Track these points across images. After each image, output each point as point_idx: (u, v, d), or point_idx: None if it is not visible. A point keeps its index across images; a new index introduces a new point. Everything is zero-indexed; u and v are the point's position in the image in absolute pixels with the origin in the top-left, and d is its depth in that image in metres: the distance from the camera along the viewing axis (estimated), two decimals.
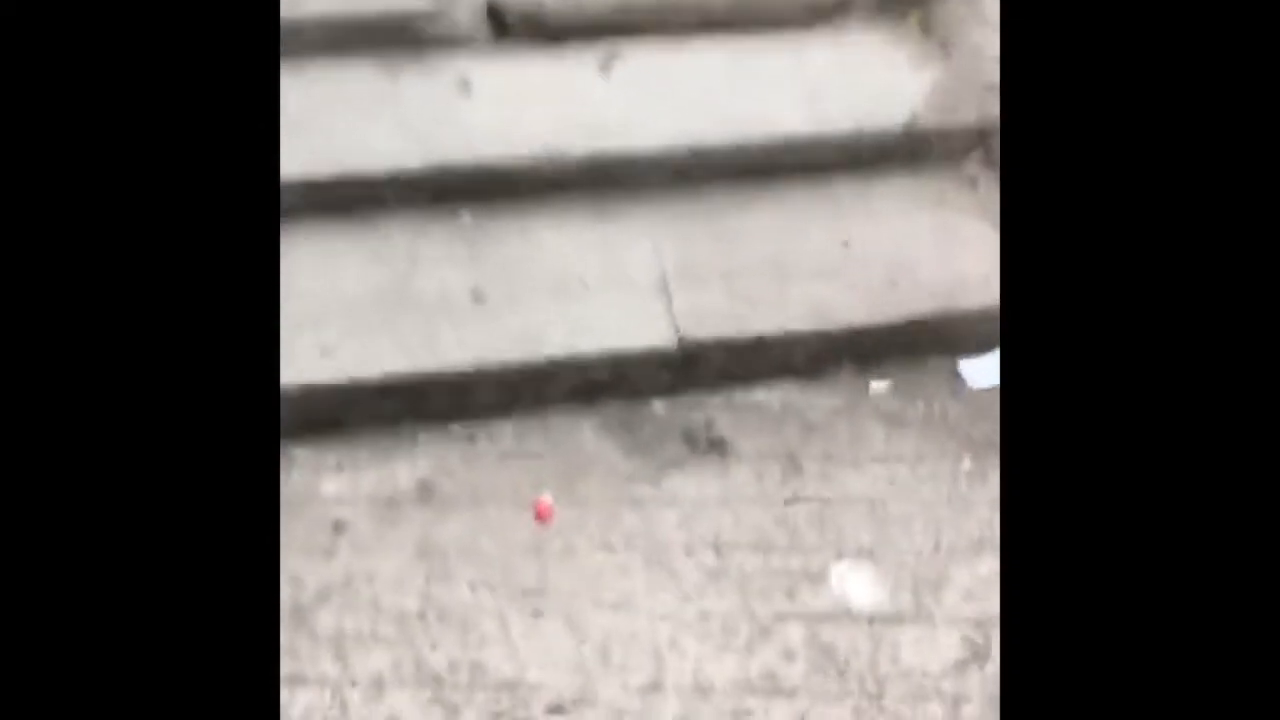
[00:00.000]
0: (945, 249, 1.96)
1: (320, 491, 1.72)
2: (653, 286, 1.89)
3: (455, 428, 1.80)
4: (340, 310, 1.85)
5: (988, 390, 1.85)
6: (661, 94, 2.16)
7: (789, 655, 1.56)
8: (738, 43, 2.29)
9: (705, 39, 2.29)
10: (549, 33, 2.25)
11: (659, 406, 1.83)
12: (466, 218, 2.00)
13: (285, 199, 1.96)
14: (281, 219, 1.96)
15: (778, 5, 2.35)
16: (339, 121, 2.06)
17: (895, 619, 1.59)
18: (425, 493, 1.73)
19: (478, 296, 1.87)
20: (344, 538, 1.67)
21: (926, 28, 2.34)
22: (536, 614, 1.59)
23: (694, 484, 1.74)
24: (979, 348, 1.91)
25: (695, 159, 2.06)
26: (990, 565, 1.63)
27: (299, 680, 1.52)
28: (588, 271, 1.90)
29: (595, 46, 2.24)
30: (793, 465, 1.75)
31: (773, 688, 1.54)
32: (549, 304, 1.86)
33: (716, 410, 1.83)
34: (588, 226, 1.98)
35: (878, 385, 1.86)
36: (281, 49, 2.15)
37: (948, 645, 1.57)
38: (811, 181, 2.07)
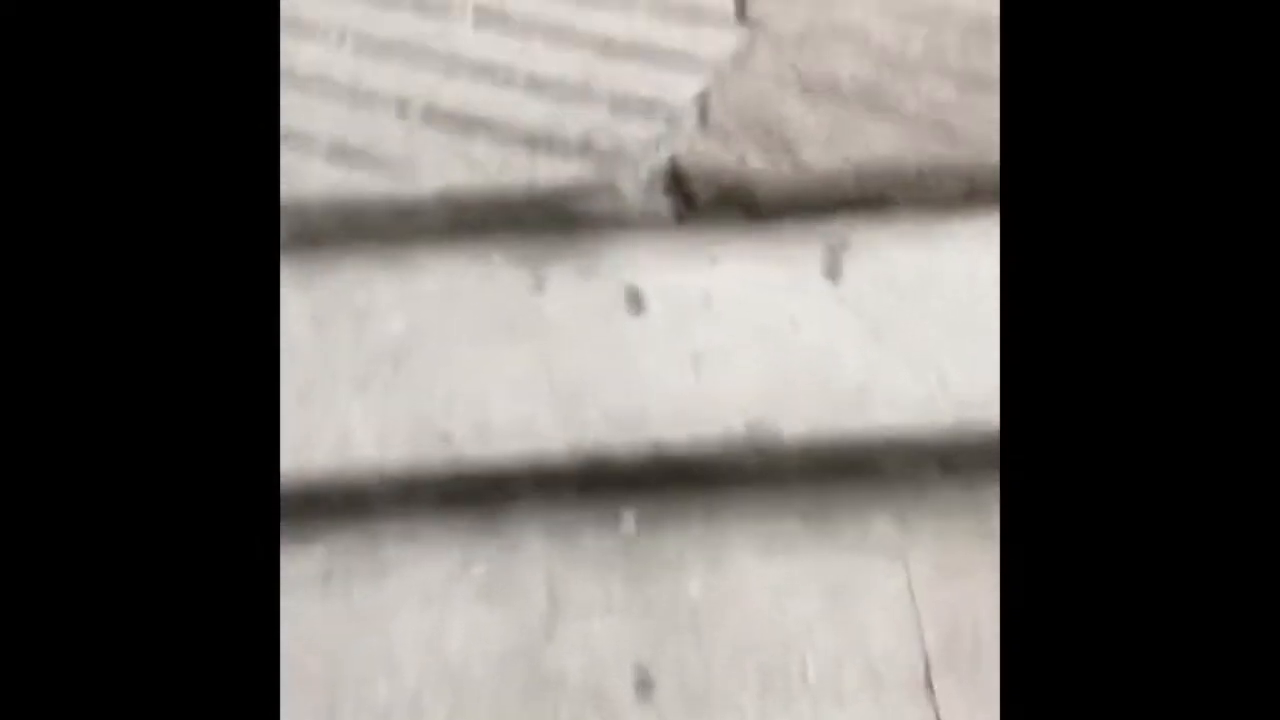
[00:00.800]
0: None
1: None
2: (908, 678, 1.26)
3: None
4: (446, 697, 1.27)
5: None
6: (913, 313, 1.51)
7: None
8: None
9: (971, 217, 1.62)
10: (753, 210, 1.61)
11: None
12: (630, 524, 1.39)
13: (380, 492, 1.40)
14: (372, 523, 1.41)
15: None
16: (458, 357, 1.47)
17: None
18: None
19: (644, 683, 1.27)
20: None
21: None
22: None
23: None
24: None
25: (967, 438, 1.41)
26: None
27: None
28: (807, 645, 1.29)
29: (818, 231, 1.58)
30: None
31: None
32: (747, 706, 1.25)
33: None
34: (805, 553, 1.36)
35: None
36: (392, 236, 1.59)
37: None
38: None
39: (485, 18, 1.73)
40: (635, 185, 1.58)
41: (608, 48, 1.70)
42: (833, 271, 1.55)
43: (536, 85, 1.66)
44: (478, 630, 1.30)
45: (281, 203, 1.53)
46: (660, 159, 1.60)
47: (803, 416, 1.40)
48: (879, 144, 1.62)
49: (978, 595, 1.31)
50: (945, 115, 1.64)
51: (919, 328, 1.48)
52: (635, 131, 1.62)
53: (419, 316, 1.50)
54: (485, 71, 1.68)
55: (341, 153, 1.60)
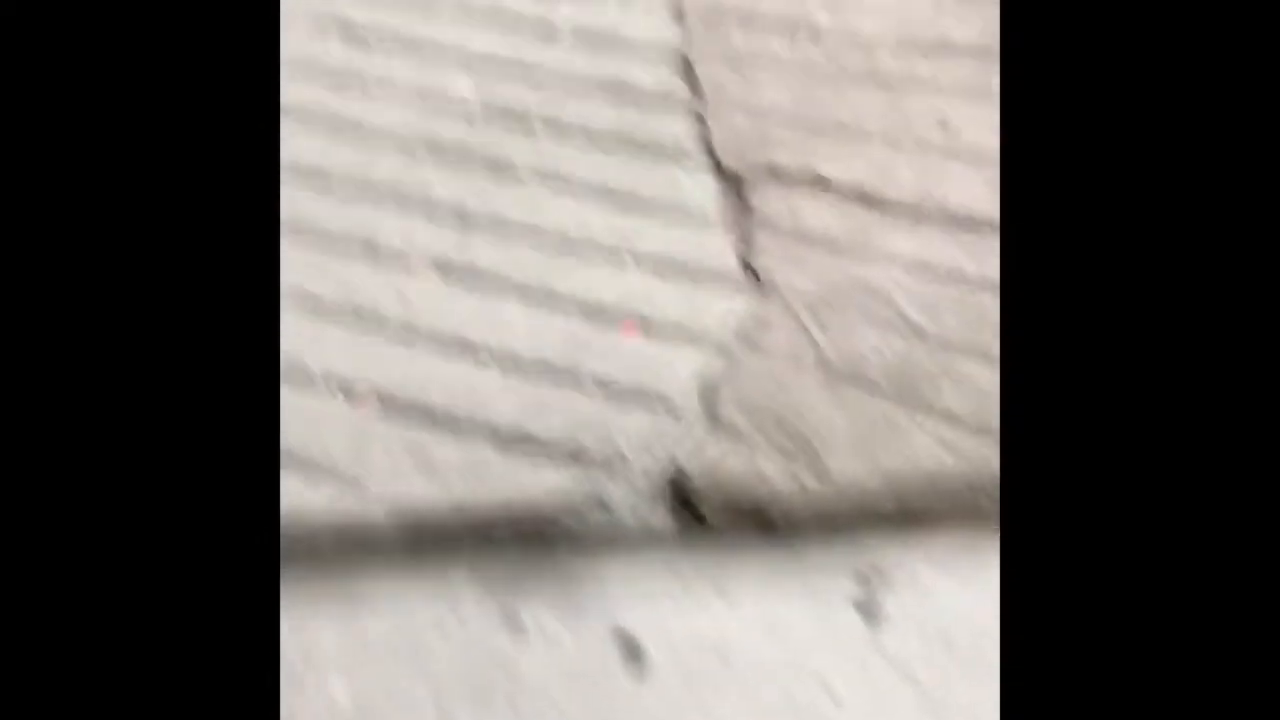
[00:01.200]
0: None
1: None
2: None
3: None
4: None
5: None
6: (972, 675, 1.26)
7: None
8: None
9: None
10: (770, 527, 1.35)
11: None
12: None
13: None
14: None
15: None
16: None
17: None
18: None
19: None
20: None
21: None
22: None
23: None
24: None
25: None
26: None
27: None
28: None
29: (846, 555, 1.33)
30: None
31: None
32: None
33: None
34: None
35: None
36: (332, 563, 1.31)
37: None
38: None
39: (449, 274, 1.47)
40: (632, 500, 1.31)
41: (596, 315, 1.44)
42: (869, 611, 1.28)
43: (511, 365, 1.39)
44: None
45: None
46: (660, 464, 1.34)
47: None
48: (916, 447, 1.37)
49: None
50: (990, 409, 1.41)
51: (981, 698, 1.23)
52: (630, 427, 1.36)
53: (365, 677, 1.21)
54: (448, 348, 1.40)
55: None
